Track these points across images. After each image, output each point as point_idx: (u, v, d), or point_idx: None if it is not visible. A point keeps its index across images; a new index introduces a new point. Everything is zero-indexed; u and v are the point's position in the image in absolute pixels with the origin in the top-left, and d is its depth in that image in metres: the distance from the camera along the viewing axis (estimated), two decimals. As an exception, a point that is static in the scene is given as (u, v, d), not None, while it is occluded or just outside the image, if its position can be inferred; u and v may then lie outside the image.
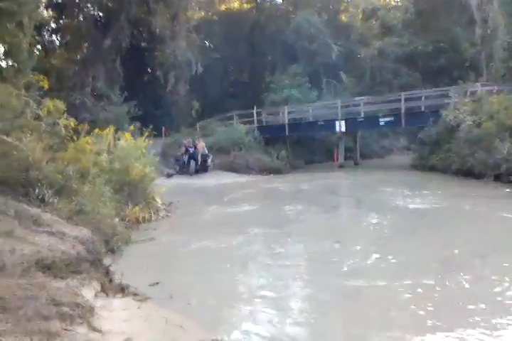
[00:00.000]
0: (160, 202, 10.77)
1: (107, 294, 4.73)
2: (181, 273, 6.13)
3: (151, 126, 12.43)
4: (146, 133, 11.34)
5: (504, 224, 8.21)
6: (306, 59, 28.81)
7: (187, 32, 28.35)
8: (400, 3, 33.12)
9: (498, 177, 13.69)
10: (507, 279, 5.22)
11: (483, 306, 4.56)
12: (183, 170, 19.55)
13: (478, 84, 19.07)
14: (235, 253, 6.95)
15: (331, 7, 33.42)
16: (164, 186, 12.03)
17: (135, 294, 5.02)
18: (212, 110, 28.27)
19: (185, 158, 19.67)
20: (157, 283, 5.51)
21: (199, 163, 19.53)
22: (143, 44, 29.37)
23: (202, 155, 19.62)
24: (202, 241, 7.75)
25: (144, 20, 27.23)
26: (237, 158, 20.36)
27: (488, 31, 22.00)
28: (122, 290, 5.06)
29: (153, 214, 9.67)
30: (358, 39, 31.22)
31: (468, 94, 18.02)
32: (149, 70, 29.81)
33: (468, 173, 15.00)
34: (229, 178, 18.27)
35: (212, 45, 33.66)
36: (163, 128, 25.71)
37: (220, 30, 33.69)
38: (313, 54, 28.67)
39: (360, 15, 33.18)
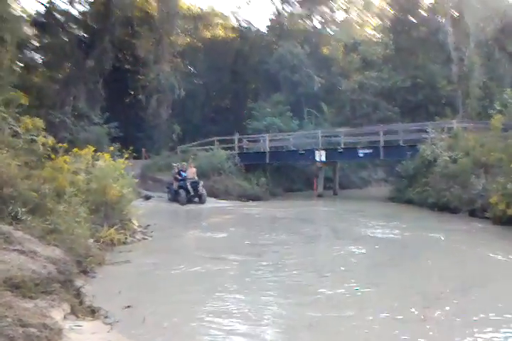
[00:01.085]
0: (137, 224, 10.59)
1: (76, 316, 4.54)
2: (155, 296, 5.94)
3: (131, 148, 12.36)
4: (126, 155, 11.23)
5: (477, 257, 8.30)
6: (288, 88, 29.39)
7: (171, 57, 28.70)
8: (380, 40, 34.31)
9: (472, 213, 13.88)
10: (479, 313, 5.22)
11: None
12: (175, 198, 18.06)
13: (454, 121, 19.66)
14: (211, 279, 6.80)
15: (313, 40, 34.38)
16: (142, 208, 11.87)
17: (106, 317, 4.84)
18: (194, 135, 28.37)
19: (175, 185, 18.17)
20: (129, 306, 5.33)
21: (191, 192, 17.69)
22: (126, 66, 29.51)
23: (192, 183, 17.79)
24: (178, 265, 7.59)
25: (128, 43, 27.50)
26: (217, 183, 20.27)
27: (465, 70, 22.89)
28: (93, 312, 4.89)
29: (129, 237, 9.46)
30: (339, 72, 32.04)
31: (445, 130, 18.51)
32: (132, 93, 29.86)
33: (443, 207, 15.19)
34: (208, 203, 18.12)
35: (195, 71, 34.08)
36: (143, 151, 25.58)
37: (204, 57, 34.22)
38: (295, 84, 29.28)
39: (342, 49, 34.17)
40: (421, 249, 9.19)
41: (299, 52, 29.72)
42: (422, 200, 16.67)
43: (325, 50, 35.01)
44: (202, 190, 17.88)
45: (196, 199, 17.91)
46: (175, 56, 29.32)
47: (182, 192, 17.63)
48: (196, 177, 18.28)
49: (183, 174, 18.30)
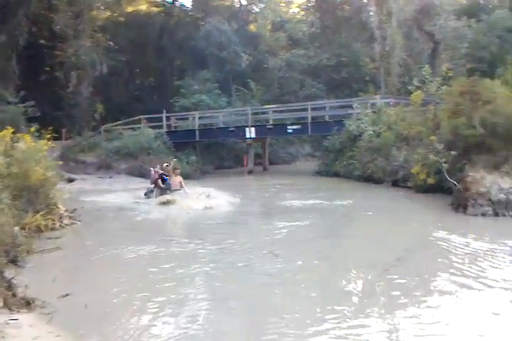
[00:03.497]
0: (63, 208, 10.03)
1: (10, 309, 4.24)
2: (92, 283, 5.70)
3: (50, 128, 11.57)
4: (48, 136, 10.52)
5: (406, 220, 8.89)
6: (215, 66, 28.89)
7: (92, 32, 27.04)
8: (306, 18, 34.58)
9: (395, 183, 14.76)
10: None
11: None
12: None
13: (378, 96, 20.47)
14: (145, 262, 6.66)
15: (240, 16, 33.93)
16: (67, 192, 11.26)
17: (43, 308, 4.57)
18: (118, 114, 27.17)
19: (157, 192, 12.76)
20: (67, 294, 5.07)
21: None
22: (42, 42, 27.37)
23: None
24: (110, 249, 7.35)
25: (45, 17, 25.47)
26: (146, 163, 19.69)
27: (387, 48, 23.76)
28: (28, 304, 4.59)
29: (56, 222, 8.95)
30: (267, 50, 32.02)
31: (368, 105, 19.23)
32: (49, 69, 27.84)
33: (368, 179, 16.06)
34: (136, 184, 17.58)
35: (118, 47, 32.42)
36: (64, 131, 24.15)
37: (127, 33, 32.56)
38: (222, 61, 28.83)
39: (269, 27, 34.07)
40: (356, 218, 9.66)
41: (225, 29, 29.19)
42: (348, 173, 17.49)
43: (252, 28, 34.69)
44: None
45: None
46: (96, 31, 27.63)
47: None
48: (184, 189, 12.41)
49: (168, 182, 12.64)
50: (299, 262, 6.40)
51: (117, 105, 29.75)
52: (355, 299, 4.87)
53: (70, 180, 17.51)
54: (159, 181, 12.56)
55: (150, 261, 6.72)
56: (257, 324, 4.40)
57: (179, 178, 12.56)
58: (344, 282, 5.40)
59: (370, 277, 5.56)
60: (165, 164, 13.32)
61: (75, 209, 10.47)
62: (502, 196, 8.92)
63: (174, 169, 12.72)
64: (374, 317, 4.38)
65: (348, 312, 4.52)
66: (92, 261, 6.78)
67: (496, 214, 8.87)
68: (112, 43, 30.22)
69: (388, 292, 5.09)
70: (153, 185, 12.94)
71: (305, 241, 7.70)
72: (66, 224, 9.41)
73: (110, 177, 19.17)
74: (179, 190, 12.18)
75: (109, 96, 29.74)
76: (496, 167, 9.62)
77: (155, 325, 4.34)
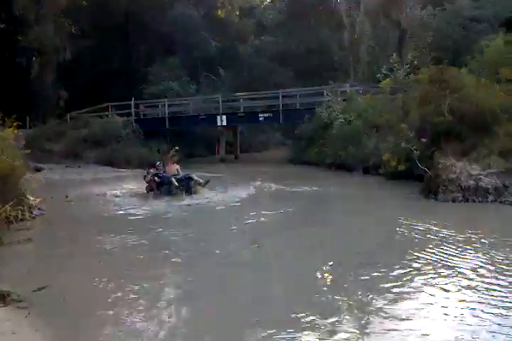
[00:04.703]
0: (32, 198, 9.74)
1: (-15, 304, 4.08)
2: (68, 274, 5.56)
3: (14, 116, 11.13)
4: (14, 124, 10.13)
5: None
6: (183, 52, 28.43)
7: (54, 16, 26.02)
8: (274, 4, 34.36)
9: (366, 170, 15.00)
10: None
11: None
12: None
13: (348, 84, 20.64)
14: (121, 251, 6.57)
15: (207, 1, 33.33)
16: (35, 181, 10.92)
17: (19, 301, 4.43)
18: (83, 101, 26.41)
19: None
20: (44, 287, 4.93)
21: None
22: (1, 26, 26.18)
23: (183, 180, 11.50)
24: (83, 239, 7.20)
25: (3, 0, 24.30)
26: (115, 152, 19.34)
27: (356, 36, 23.93)
28: (3, 298, 4.44)
29: (26, 213, 8.68)
30: (235, 36, 31.68)
31: (339, 93, 19.37)
32: (8, 55, 26.69)
33: (340, 166, 16.24)
34: (106, 172, 17.27)
35: (82, 32, 31.34)
36: (28, 119, 23.33)
37: (91, 17, 31.49)
38: (190, 47, 28.39)
39: (237, 13, 33.69)
40: (328, 207, 9.78)
41: (193, 14, 28.70)
42: (319, 160, 17.64)
43: (220, 13, 34.20)
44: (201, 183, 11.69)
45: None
46: (58, 15, 26.60)
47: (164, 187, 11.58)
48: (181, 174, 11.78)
49: (164, 177, 11.68)
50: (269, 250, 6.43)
51: (83, 92, 28.89)
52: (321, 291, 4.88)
53: (38, 170, 17.00)
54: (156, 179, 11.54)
55: (127, 251, 6.61)
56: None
57: (176, 166, 11.94)
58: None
59: (339, 269, 5.57)
60: (157, 162, 12.31)
61: (43, 199, 10.21)
62: (471, 182, 9.17)
63: (172, 156, 12.08)
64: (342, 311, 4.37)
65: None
66: (65, 252, 6.61)
67: (466, 200, 9.13)
68: (75, 28, 29.22)
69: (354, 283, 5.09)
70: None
71: (275, 230, 7.73)
72: (36, 215, 9.18)
73: (79, 167, 18.74)
74: (180, 175, 11.49)
75: (74, 83, 28.85)
76: (465, 154, 9.89)
77: (134, 317, 4.27)
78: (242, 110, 22.07)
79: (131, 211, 9.94)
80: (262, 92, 23.65)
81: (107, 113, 22.16)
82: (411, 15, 26.47)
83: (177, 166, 12.05)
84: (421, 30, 27.06)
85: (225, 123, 21.50)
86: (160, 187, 11.44)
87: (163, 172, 11.68)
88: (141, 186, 12.03)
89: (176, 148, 12.45)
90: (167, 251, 6.42)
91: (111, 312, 4.37)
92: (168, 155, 12.38)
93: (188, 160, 22.69)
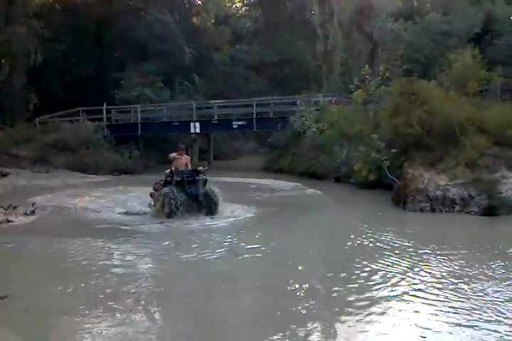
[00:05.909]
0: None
1: None
2: (30, 282, 5.42)
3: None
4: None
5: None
6: (158, 58, 28.21)
7: (26, 18, 25.51)
8: (249, 13, 34.60)
9: (338, 179, 15.22)
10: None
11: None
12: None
13: (321, 94, 20.90)
14: (86, 257, 6.47)
15: (183, 8, 33.27)
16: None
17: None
18: (54, 105, 25.86)
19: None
20: (6, 296, 4.78)
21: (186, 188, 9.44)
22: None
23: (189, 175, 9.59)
24: (45, 245, 7.16)
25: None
26: (86, 157, 18.99)
27: (329, 47, 24.31)
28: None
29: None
30: (210, 44, 31.70)
31: (312, 103, 19.59)
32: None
33: (312, 175, 16.42)
34: (76, 178, 16.93)
35: (54, 36, 30.81)
36: (-5, 123, 22.76)
37: (64, 21, 31.01)
38: (165, 54, 28.20)
39: (213, 21, 33.77)
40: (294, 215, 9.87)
41: (168, 21, 28.60)
42: (292, 169, 17.84)
43: (195, 21, 34.20)
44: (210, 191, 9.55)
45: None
46: (30, 17, 26.10)
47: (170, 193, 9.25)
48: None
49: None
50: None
51: (53, 96, 28.28)
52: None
53: (3, 174, 16.58)
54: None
55: (95, 258, 6.49)
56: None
57: (186, 158, 10.39)
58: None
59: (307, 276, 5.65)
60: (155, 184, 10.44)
61: (10, 206, 9.93)
62: (439, 192, 9.41)
63: (179, 150, 10.45)
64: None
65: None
66: (28, 258, 6.47)
67: (433, 210, 9.37)
68: (47, 31, 28.70)
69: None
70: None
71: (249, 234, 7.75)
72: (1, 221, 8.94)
73: (47, 172, 18.31)
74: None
75: (45, 87, 28.21)
76: (433, 164, 10.15)
77: (100, 327, 4.18)
78: (216, 117, 22.04)
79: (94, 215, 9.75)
80: (236, 100, 23.70)
81: (77, 118, 21.75)
82: (383, 28, 27.10)
83: (187, 160, 10.37)
84: (392, 43, 27.74)
85: (198, 130, 21.43)
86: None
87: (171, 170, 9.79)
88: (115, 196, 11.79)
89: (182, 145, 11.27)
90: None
91: (76, 321, 4.29)
92: (172, 155, 10.33)
93: (161, 167, 22.50)
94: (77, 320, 4.30)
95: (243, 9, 36.90)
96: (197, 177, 9.41)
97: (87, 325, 4.17)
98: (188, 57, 28.41)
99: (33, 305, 4.59)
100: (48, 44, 27.75)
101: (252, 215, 9.58)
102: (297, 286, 5.20)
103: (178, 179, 9.32)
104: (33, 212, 9.66)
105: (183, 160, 10.13)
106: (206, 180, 9.66)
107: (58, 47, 28.93)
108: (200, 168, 10.02)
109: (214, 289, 5.22)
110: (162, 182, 9.95)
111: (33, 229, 8.66)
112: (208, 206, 9.35)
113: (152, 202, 10.04)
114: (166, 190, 9.25)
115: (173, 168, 9.69)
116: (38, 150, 19.95)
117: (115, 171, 19.04)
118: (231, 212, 9.68)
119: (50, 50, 27.62)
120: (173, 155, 10.21)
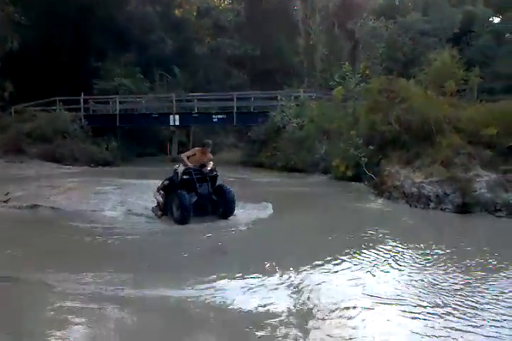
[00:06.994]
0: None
1: None
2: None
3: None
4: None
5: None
6: (138, 49, 27.87)
7: (2, 4, 24.83)
8: (232, 6, 34.40)
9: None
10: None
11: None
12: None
13: (302, 90, 20.98)
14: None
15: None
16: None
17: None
18: (30, 94, 25.29)
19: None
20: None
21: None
22: None
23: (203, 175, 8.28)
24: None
25: None
26: (61, 148, 18.66)
27: (310, 43, 24.40)
28: None
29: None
30: (192, 36, 31.44)
31: (292, 98, 19.66)
32: None
33: (291, 170, 16.50)
34: (51, 169, 16.59)
35: (31, 23, 30.05)
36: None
37: (42, 7, 30.28)
38: (146, 45, 27.89)
39: (195, 13, 33.47)
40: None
41: (150, 12, 28.24)
42: (271, 163, 17.87)
43: (177, 12, 33.83)
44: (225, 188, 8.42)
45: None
46: (6, 3, 25.39)
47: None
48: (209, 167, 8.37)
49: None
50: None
51: (30, 85, 27.64)
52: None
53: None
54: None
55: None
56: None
57: (206, 154, 8.47)
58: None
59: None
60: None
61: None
62: (414, 189, 9.58)
63: (203, 146, 8.59)
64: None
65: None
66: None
67: (409, 206, 9.53)
68: (24, 18, 28.00)
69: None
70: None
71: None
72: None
73: (21, 162, 17.92)
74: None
75: (21, 75, 27.58)
76: (409, 162, 10.33)
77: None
78: (196, 110, 21.91)
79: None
80: (217, 93, 23.60)
81: (54, 107, 21.34)
82: (364, 26, 27.32)
83: (209, 155, 8.49)
84: (373, 41, 27.99)
85: (178, 122, 21.26)
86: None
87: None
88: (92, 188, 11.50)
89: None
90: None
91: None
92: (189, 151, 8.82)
93: (139, 159, 22.31)
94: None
95: (226, 2, 36.67)
96: (208, 174, 8.11)
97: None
98: (169, 48, 28.13)
99: None
100: (25, 31, 27.10)
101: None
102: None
103: (186, 177, 7.91)
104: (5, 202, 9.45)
105: (197, 157, 8.32)
106: (217, 176, 8.32)
107: (36, 35, 28.28)
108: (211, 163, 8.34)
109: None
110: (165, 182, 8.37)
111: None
112: (225, 206, 8.11)
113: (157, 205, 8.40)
114: (175, 195, 7.82)
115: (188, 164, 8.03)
116: (11, 140, 19.48)
117: (91, 162, 18.75)
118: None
119: (27, 37, 26.98)
120: (194, 149, 8.66)
